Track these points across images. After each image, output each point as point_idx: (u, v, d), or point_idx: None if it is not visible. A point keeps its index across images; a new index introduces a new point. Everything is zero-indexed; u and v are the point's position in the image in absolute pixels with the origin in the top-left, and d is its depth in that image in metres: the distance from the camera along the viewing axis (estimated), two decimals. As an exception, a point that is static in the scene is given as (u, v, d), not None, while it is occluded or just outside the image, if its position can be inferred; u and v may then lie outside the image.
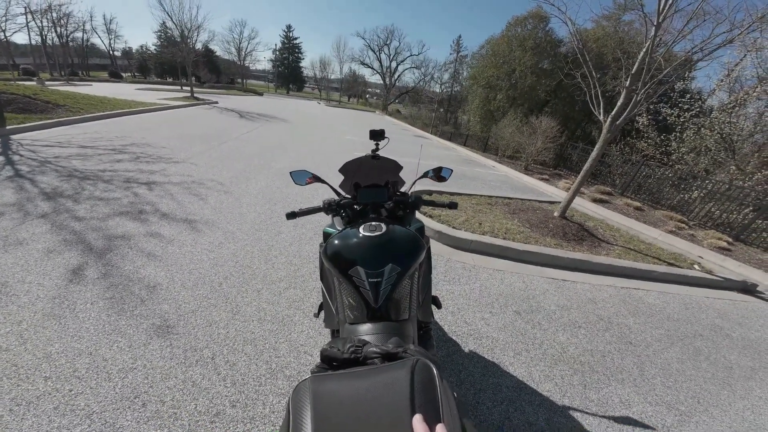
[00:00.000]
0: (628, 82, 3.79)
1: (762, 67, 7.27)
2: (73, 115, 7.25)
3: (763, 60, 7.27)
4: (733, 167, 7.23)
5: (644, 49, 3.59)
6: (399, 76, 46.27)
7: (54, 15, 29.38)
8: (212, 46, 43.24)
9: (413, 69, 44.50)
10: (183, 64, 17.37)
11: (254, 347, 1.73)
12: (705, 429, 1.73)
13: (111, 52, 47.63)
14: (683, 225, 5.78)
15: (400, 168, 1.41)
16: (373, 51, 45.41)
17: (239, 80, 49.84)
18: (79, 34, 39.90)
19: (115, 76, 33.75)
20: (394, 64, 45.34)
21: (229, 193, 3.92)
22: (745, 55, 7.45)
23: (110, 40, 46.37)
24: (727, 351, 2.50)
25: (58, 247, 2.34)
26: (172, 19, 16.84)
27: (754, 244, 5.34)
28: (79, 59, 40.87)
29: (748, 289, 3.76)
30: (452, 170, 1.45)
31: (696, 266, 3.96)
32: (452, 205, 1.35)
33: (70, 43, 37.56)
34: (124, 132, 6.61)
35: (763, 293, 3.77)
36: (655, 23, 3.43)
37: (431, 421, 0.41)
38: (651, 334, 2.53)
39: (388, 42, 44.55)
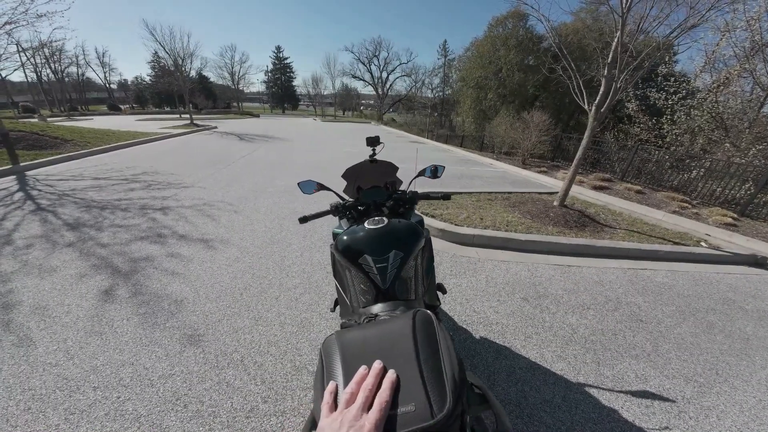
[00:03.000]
0: (605, 71, 3.93)
1: (738, 46, 7.44)
2: (81, 149, 7.56)
3: (737, 40, 7.46)
4: (728, 144, 7.29)
5: (616, 39, 3.74)
6: (391, 85, 47.12)
7: (47, 51, 30.13)
8: (206, 73, 44.39)
9: (404, 77, 45.34)
10: (180, 92, 17.91)
11: (278, 348, 1.85)
12: (727, 399, 1.74)
13: (107, 85, 48.47)
14: (686, 204, 5.78)
15: (397, 169, 1.54)
16: (363, 64, 46.41)
17: (235, 104, 50.92)
18: (73, 69, 40.25)
19: (114, 109, 34.51)
20: (384, 74, 46.24)
21: (239, 212, 4.09)
22: (722, 37, 7.62)
23: (105, 73, 46.96)
24: (742, 323, 2.48)
25: (89, 272, 2.51)
26: (164, 48, 17.47)
27: (760, 218, 5.32)
28: (76, 94, 41.36)
29: (758, 262, 3.74)
30: (444, 167, 1.58)
31: (703, 243, 3.99)
32: (446, 197, 1.48)
33: (66, 79, 38.24)
34: (132, 162, 6.88)
35: None
36: (620, 15, 3.59)
37: (430, 351, 0.53)
38: (662, 311, 2.54)
39: (377, 53, 45.54)
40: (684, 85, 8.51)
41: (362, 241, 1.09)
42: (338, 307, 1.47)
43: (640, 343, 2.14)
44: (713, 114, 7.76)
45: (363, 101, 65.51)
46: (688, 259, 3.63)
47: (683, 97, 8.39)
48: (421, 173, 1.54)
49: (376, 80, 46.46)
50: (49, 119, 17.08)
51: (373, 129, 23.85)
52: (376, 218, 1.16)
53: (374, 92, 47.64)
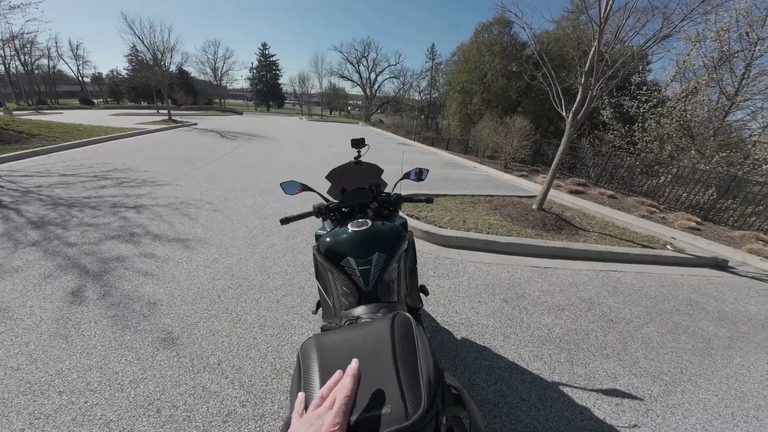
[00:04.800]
0: (582, 79, 4.08)
1: (707, 56, 7.89)
2: (48, 144, 7.13)
3: (707, 50, 7.91)
4: (693, 152, 7.75)
5: (593, 48, 3.89)
6: (379, 86, 47.23)
7: (17, 43, 28.41)
8: (187, 68, 43.10)
9: (392, 79, 45.62)
10: (158, 87, 17.30)
11: (258, 351, 1.81)
12: (691, 397, 1.82)
13: (80, 79, 46.56)
14: (654, 209, 6.09)
15: (381, 171, 1.55)
16: (352, 64, 46.29)
17: (217, 100, 49.58)
18: (44, 61, 38.70)
19: (87, 103, 32.95)
20: (373, 75, 46.30)
21: (219, 211, 3.97)
22: (693, 48, 8.07)
23: (78, 66, 45.38)
24: (705, 323, 2.62)
25: (54, 272, 2.37)
26: (143, 42, 16.84)
27: (721, 222, 5.66)
28: (46, 87, 39.58)
29: (719, 265, 3.97)
30: (428, 170, 1.60)
31: (668, 246, 4.20)
32: (429, 200, 1.50)
33: (36, 71, 36.38)
34: (104, 158, 6.55)
35: (734, 268, 3.96)
36: (599, 24, 3.75)
37: (407, 353, 0.53)
38: (630, 311, 2.66)
39: (365, 54, 45.54)
40: (655, 93, 8.94)
41: (345, 243, 1.09)
42: (320, 310, 1.46)
43: (610, 342, 2.23)
44: (681, 122, 8.21)
45: (351, 101, 65.30)
46: (655, 261, 3.82)
47: (654, 105, 8.82)
48: (406, 176, 1.56)
49: (364, 81, 46.44)
50: (15, 113, 16.00)
51: (361, 130, 23.81)
52: (360, 220, 1.16)
53: (362, 93, 47.61)
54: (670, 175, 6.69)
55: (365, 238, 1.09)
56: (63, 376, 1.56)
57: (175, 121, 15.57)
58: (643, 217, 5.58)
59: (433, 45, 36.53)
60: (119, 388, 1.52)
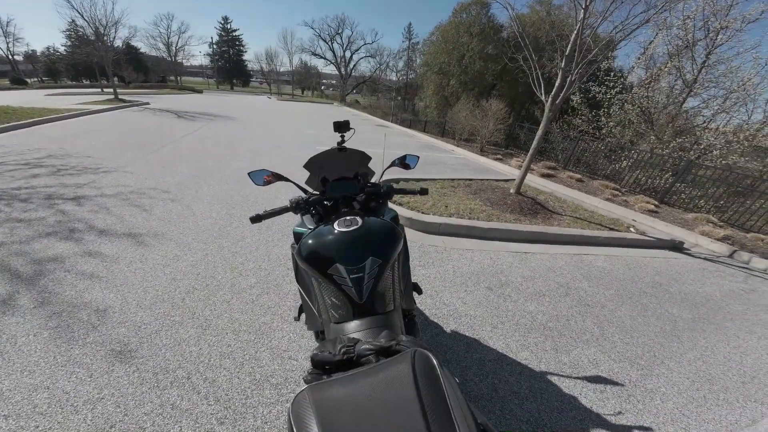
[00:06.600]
0: (563, 64, 4.05)
1: (671, 44, 8.18)
2: (-33, 127, 6.08)
3: (672, 37, 8.17)
4: (653, 137, 8.18)
5: (575, 32, 3.85)
6: (354, 65, 45.35)
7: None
8: (135, 43, 38.82)
9: (368, 58, 44.01)
10: (101, 63, 15.41)
11: (233, 360, 1.63)
12: (666, 381, 1.87)
13: (11, 57, 40.93)
14: (617, 192, 6.40)
15: (369, 159, 1.38)
16: (325, 41, 43.79)
17: (173, 78, 45.43)
18: (-32, 41, 33.49)
19: (19, 83, 28.96)
20: (348, 54, 44.26)
21: (178, 201, 3.59)
22: (657, 33, 8.31)
23: (8, 43, 40.09)
24: (669, 305, 2.74)
25: (-25, 280, 1.99)
26: (83, 16, 14.76)
27: (676, 205, 6.06)
28: (-29, 67, 34.38)
29: (676, 246, 4.22)
30: (418, 157, 1.46)
31: (632, 229, 4.42)
32: (423, 192, 1.36)
33: (-40, 51, 31.35)
34: (36, 144, 5.67)
35: (689, 250, 4.23)
36: (583, 6, 3.70)
37: (439, 411, 0.41)
38: (604, 295, 2.75)
39: (339, 31, 43.21)
40: (621, 79, 9.16)
41: (332, 246, 0.93)
42: (303, 315, 1.31)
43: (589, 327, 2.28)
44: (642, 108, 8.57)
45: (324, 81, 62.53)
46: (621, 244, 3.99)
47: (620, 91, 9.09)
48: (393, 164, 1.41)
49: (338, 59, 44.24)
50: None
51: (336, 110, 22.89)
52: (348, 218, 1.00)
53: (336, 72, 45.52)
54: (630, 160, 7.03)
55: (356, 241, 0.94)
56: (5, 398, 1.33)
57: (123, 101, 13.98)
58: (607, 200, 5.83)
59: (410, 24, 35.69)
60: (73, 410, 1.31)
